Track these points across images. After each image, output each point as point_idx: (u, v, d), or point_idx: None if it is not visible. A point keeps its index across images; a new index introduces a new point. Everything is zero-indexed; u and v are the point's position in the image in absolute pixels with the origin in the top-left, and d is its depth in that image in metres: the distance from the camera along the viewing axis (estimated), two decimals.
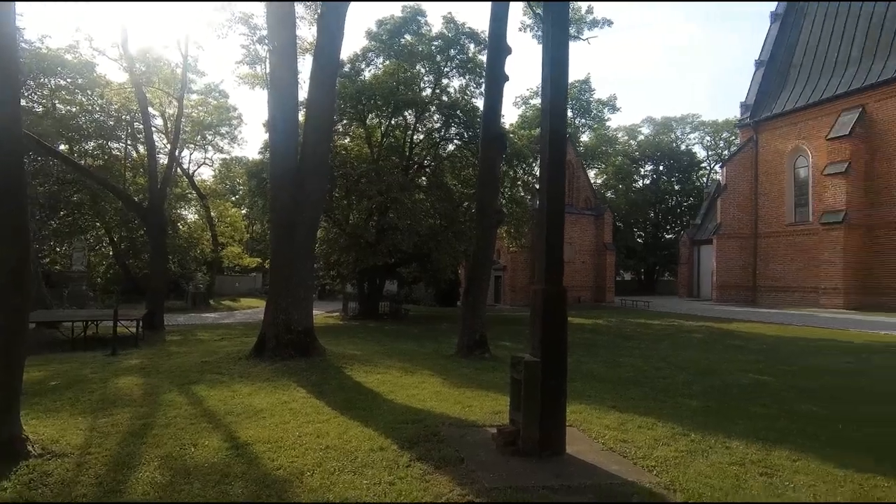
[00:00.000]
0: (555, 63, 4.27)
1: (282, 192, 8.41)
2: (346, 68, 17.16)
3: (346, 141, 18.79)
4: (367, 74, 17.48)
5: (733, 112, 49.36)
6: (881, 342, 11.72)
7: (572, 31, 14.09)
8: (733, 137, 40.39)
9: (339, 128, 17.29)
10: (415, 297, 26.42)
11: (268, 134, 12.62)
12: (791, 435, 4.84)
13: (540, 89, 4.07)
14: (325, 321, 17.39)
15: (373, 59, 17.41)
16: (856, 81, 22.18)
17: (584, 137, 41.44)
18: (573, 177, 27.12)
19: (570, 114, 40.57)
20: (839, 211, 20.99)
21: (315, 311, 10.15)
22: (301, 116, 9.98)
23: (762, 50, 27.79)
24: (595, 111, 40.18)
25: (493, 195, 9.25)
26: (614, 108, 39.63)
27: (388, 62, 17.50)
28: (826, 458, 4.16)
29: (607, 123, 40.83)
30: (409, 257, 17.33)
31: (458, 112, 16.82)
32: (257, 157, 18.65)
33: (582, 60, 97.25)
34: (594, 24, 14.39)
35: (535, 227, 4.20)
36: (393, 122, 18.15)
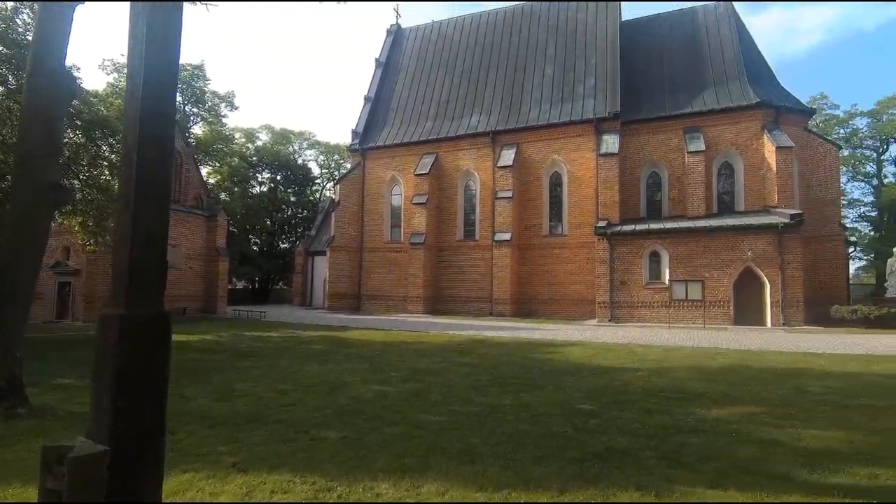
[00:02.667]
0: None
1: None
2: None
3: None
4: None
5: (346, 138, 54.92)
6: (452, 342, 14.36)
7: None
8: (343, 161, 44.77)
9: None
10: None
11: None
12: (429, 456, 4.57)
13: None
14: None
15: None
16: (433, 133, 27.94)
17: (197, 129, 37.17)
18: (181, 169, 23.41)
19: (178, 97, 35.62)
20: (421, 234, 25.73)
21: None
22: None
23: (370, 88, 31.74)
24: (210, 103, 36.63)
25: (46, 162, 6.00)
26: (233, 106, 37.16)
27: None
28: (466, 481, 3.96)
29: (224, 120, 37.94)
30: None
31: None
32: None
33: (198, 44, 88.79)
34: None
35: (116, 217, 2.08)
36: None
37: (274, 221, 43.85)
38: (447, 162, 27.11)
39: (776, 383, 8.07)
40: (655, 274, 20.00)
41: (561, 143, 24.87)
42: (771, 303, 18.02)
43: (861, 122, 40.62)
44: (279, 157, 42.07)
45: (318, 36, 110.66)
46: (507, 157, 25.01)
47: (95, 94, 15.69)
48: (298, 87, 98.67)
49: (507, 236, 23.95)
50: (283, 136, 43.08)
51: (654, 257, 20.11)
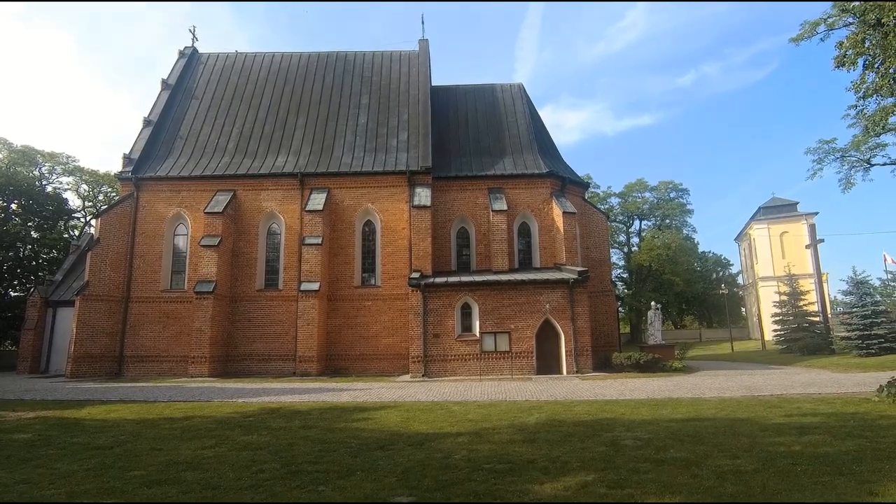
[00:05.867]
0: None
1: None
2: None
3: None
4: None
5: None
6: (238, 414, 11.52)
7: None
8: (115, 193, 37.14)
9: None
10: None
11: None
12: None
13: None
14: None
15: None
16: (230, 169, 24.72)
17: None
18: None
19: None
20: (211, 281, 21.80)
21: None
22: None
23: (152, 110, 27.12)
24: None
25: None
26: None
27: None
28: None
29: None
30: None
31: None
32: None
33: None
34: None
35: None
36: None
37: (2, 262, 33.39)
38: (247, 201, 24.04)
39: (593, 438, 7.76)
40: (467, 326, 20.07)
41: (375, 192, 24.24)
42: (566, 352, 19.44)
43: (614, 201, 50.28)
44: (17, 180, 32.71)
45: (92, 43, 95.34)
46: (317, 201, 23.27)
47: None
48: (61, 101, 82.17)
49: (314, 286, 21.76)
50: (26, 156, 33.88)
51: (466, 309, 20.24)
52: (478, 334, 19.77)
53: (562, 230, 22.92)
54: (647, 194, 48.95)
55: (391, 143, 25.73)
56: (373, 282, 23.57)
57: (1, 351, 33.44)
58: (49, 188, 35.83)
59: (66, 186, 37.66)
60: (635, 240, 50.65)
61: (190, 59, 29.71)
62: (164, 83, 28.12)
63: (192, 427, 9.80)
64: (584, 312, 19.96)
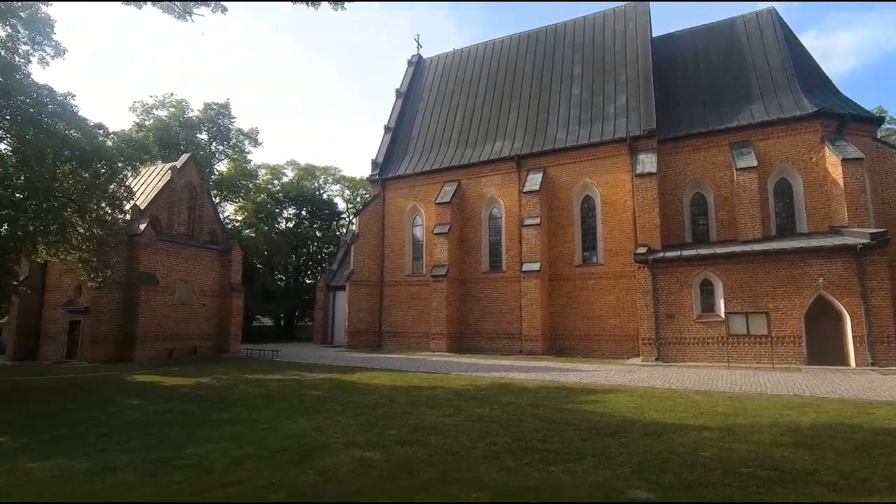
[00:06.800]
0: None
1: None
2: None
3: None
4: None
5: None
6: (472, 387, 12.37)
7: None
8: (367, 194, 44.14)
9: None
10: None
11: None
12: None
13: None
14: None
15: None
16: (454, 160, 26.64)
17: (222, 166, 37.38)
18: (195, 204, 22.67)
19: (204, 136, 35.89)
20: (443, 265, 24.06)
21: None
22: None
23: (390, 118, 31.05)
24: (235, 140, 36.75)
25: None
26: (256, 143, 37.10)
27: None
28: None
29: (248, 157, 38.03)
30: None
31: None
32: None
33: (222, 84, 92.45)
34: None
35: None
36: None
37: (299, 257, 43.20)
38: (470, 189, 25.62)
39: None
40: (708, 305, 17.50)
41: (592, 165, 23.04)
42: (853, 338, 15.24)
43: None
44: (304, 192, 41.76)
45: (347, 70, 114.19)
46: (534, 181, 23.31)
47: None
48: (327, 122, 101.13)
49: (535, 266, 21.97)
50: (308, 172, 42.90)
51: (706, 286, 17.66)
52: (723, 315, 17.05)
53: (841, 183, 17.95)
54: None
55: (608, 110, 24.05)
56: (594, 260, 22.57)
57: (302, 325, 43.46)
58: (325, 196, 44.75)
59: (335, 193, 46.50)
60: None
61: (417, 65, 33.05)
62: (398, 92, 31.95)
63: (434, 396, 10.93)
64: (882, 287, 15.23)
